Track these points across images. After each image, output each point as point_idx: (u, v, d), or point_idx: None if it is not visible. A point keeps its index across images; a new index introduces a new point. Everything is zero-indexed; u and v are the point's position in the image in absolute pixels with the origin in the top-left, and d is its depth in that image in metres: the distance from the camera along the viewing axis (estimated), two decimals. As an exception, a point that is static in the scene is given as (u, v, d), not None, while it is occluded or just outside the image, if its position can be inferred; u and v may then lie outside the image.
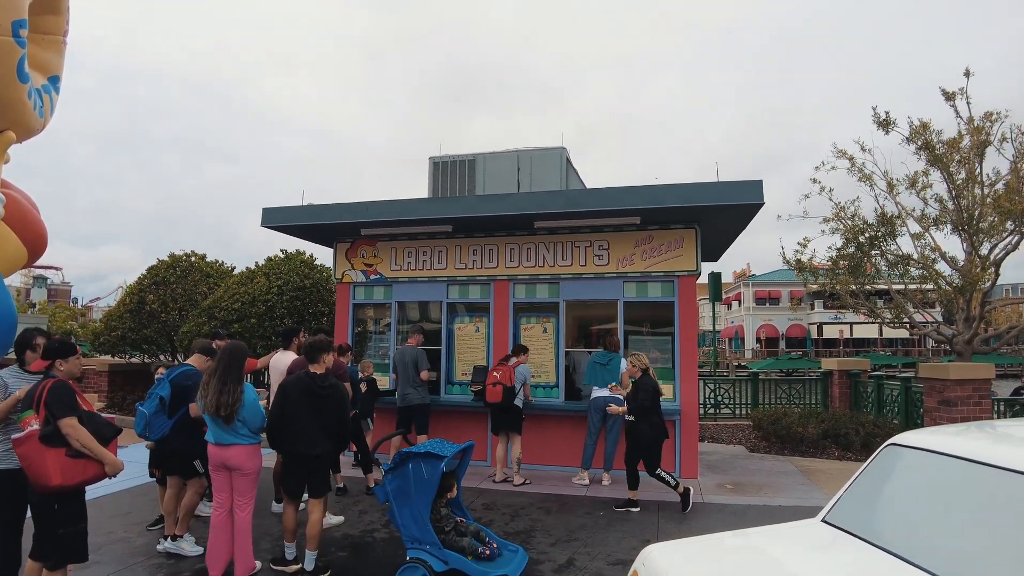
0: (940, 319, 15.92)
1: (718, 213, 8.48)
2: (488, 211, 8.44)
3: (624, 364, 8.15)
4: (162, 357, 13.52)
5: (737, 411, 13.85)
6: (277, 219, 9.35)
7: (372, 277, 9.74)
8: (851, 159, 14.02)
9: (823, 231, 14.37)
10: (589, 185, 11.14)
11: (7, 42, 9.67)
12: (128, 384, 13.30)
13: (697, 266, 8.76)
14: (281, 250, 13.06)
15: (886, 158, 23.38)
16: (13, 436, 3.90)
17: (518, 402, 8.00)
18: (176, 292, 12.69)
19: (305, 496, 5.25)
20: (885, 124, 13.45)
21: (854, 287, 14.56)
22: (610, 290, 8.93)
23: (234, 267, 14.27)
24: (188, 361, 5.99)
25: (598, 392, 8.16)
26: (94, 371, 14.51)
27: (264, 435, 5.07)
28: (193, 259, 13.58)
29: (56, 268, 44.24)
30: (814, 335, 53.38)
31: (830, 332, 50.23)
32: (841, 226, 14.04)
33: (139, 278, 13.57)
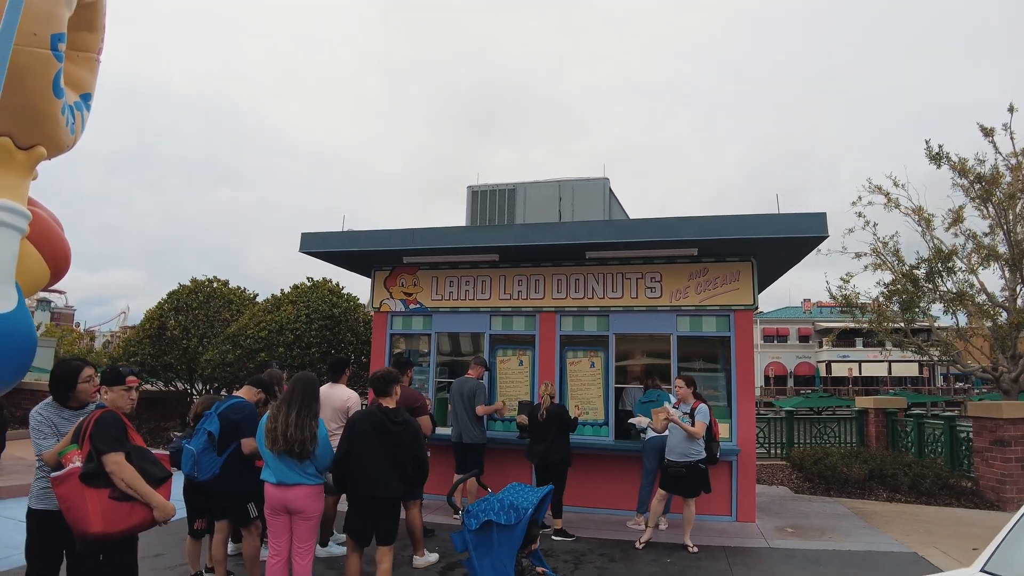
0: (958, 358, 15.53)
1: (777, 246, 8.19)
2: (539, 240, 8.14)
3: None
4: (179, 385, 13.10)
5: (771, 451, 13.42)
6: (315, 245, 9.04)
7: (412, 307, 9.39)
8: (887, 195, 13.87)
9: (865, 267, 14.16)
10: (632, 216, 10.86)
11: (45, 55, 9.46)
12: (144, 412, 12.85)
13: (754, 300, 8.45)
14: (308, 278, 12.76)
15: (919, 193, 23.24)
16: (52, 474, 3.43)
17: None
18: (198, 318, 12.32)
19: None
20: (937, 158, 13.29)
21: (902, 324, 14.24)
22: (663, 324, 8.59)
23: (257, 294, 13.93)
24: (238, 393, 5.61)
25: (653, 433, 7.76)
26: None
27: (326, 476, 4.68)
28: (215, 285, 13.24)
29: (60, 292, 43.80)
30: (823, 373, 52.94)
31: (839, 370, 49.88)
32: (881, 261, 13.83)
33: (159, 303, 13.22)
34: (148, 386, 13.49)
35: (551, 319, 8.87)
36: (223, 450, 5.12)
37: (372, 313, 9.73)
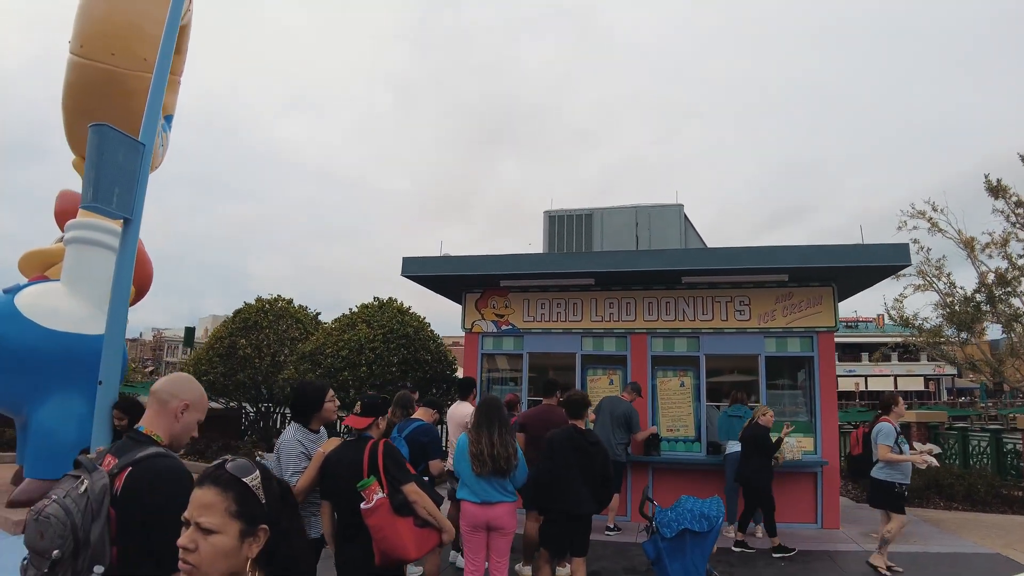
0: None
1: (860, 272, 8.74)
2: (644, 266, 8.62)
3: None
4: (247, 405, 13.31)
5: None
6: (415, 269, 9.44)
7: (504, 328, 9.81)
8: (931, 220, 14.62)
9: (912, 287, 14.87)
10: (707, 241, 11.39)
11: (150, 79, 9.78)
12: (211, 431, 13.11)
13: (836, 322, 8.99)
14: (375, 298, 13.09)
15: (957, 217, 24.07)
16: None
17: (883, 474, 6.75)
18: (269, 337, 12.60)
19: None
20: (996, 191, 14.02)
21: (957, 341, 14.93)
22: (751, 345, 9.08)
23: (319, 312, 14.24)
24: (416, 415, 5.95)
25: (735, 446, 8.21)
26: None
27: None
28: (280, 304, 13.53)
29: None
30: (828, 387, 53.53)
31: (845, 385, 50.85)
32: (927, 283, 14.55)
33: (224, 322, 13.46)
34: (214, 404, 13.72)
35: (642, 340, 9.33)
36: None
37: (464, 334, 10.12)
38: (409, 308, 12.85)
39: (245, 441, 13.48)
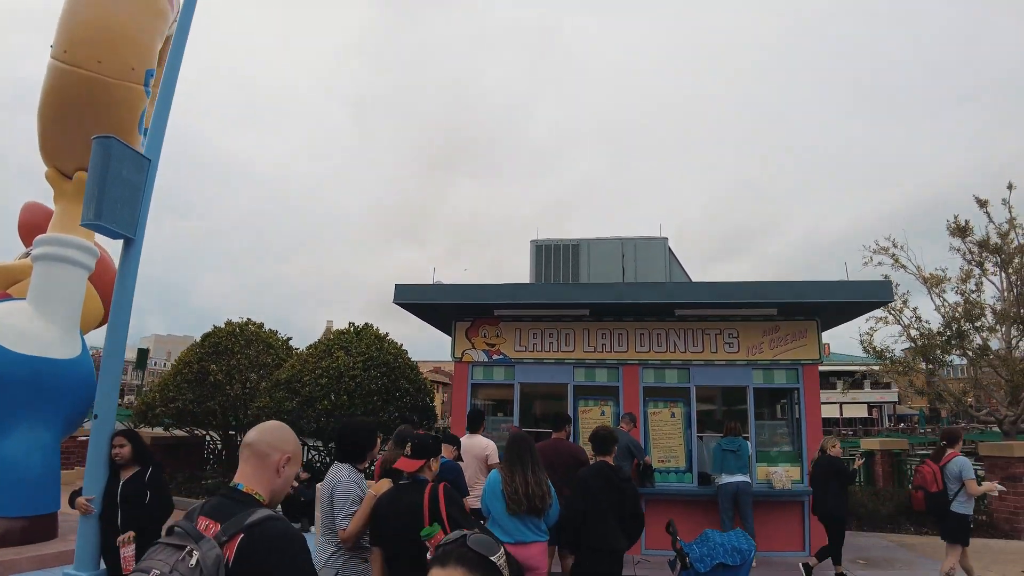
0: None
1: (843, 308, 9.08)
2: (642, 299, 8.72)
3: (750, 448, 8.51)
4: (213, 434, 12.76)
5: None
6: (408, 296, 9.31)
7: (495, 357, 9.73)
8: (894, 257, 15.38)
9: (879, 318, 15.53)
10: (690, 273, 11.61)
11: (138, 91, 9.47)
12: (171, 459, 12.52)
13: (820, 355, 9.27)
14: (349, 323, 12.83)
15: (917, 254, 24.89)
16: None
17: (965, 508, 6.74)
18: (241, 363, 12.15)
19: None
20: (962, 231, 14.77)
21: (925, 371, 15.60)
22: (740, 377, 9.26)
23: (290, 337, 13.83)
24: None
25: (728, 478, 8.32)
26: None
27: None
28: (251, 328, 13.09)
29: None
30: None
31: (827, 411, 52.79)
32: (893, 318, 15.25)
33: (192, 346, 12.93)
34: (179, 432, 13.13)
35: (634, 371, 9.41)
36: None
37: (453, 363, 10.00)
38: (387, 335, 12.64)
39: (208, 471, 12.94)
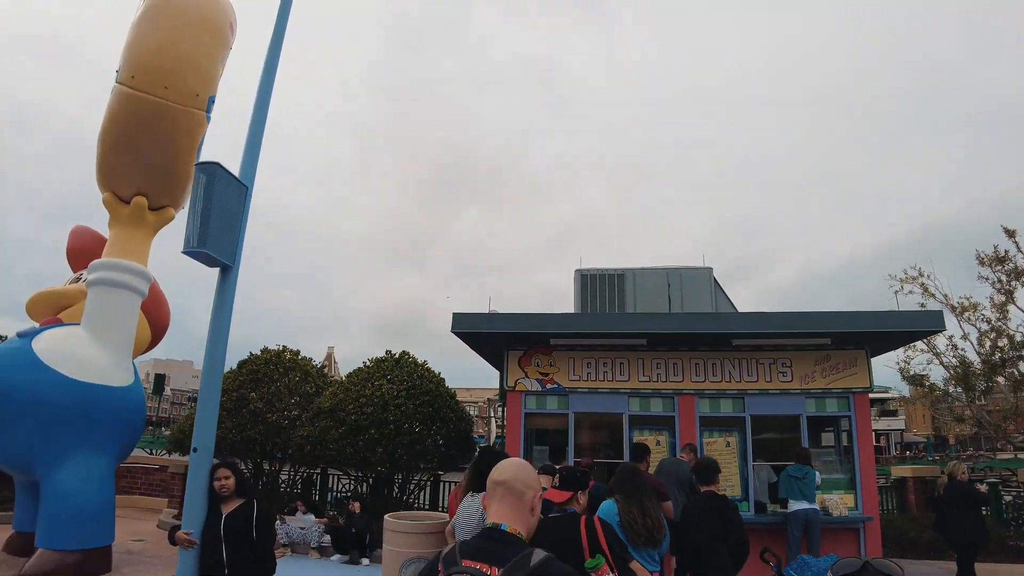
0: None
1: (892, 337, 9.27)
2: (697, 328, 8.85)
3: (818, 476, 8.57)
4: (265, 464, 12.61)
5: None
6: (465, 325, 9.38)
7: (548, 386, 9.79)
8: (923, 286, 15.73)
9: (922, 350, 15.85)
10: (737, 304, 11.75)
11: (200, 117, 9.54)
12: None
13: (870, 383, 9.41)
14: (387, 351, 12.83)
15: (944, 282, 25.30)
16: None
17: None
18: (281, 391, 12.11)
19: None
20: (996, 260, 15.11)
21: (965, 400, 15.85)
22: (794, 405, 9.37)
23: (325, 365, 13.77)
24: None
25: (796, 505, 8.38)
26: (168, 472, 13.49)
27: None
28: (287, 355, 13.05)
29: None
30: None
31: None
32: (927, 347, 15.54)
33: (230, 372, 12.88)
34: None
35: (690, 401, 9.49)
36: None
37: (507, 392, 10.04)
38: (424, 363, 12.64)
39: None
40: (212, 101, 9.12)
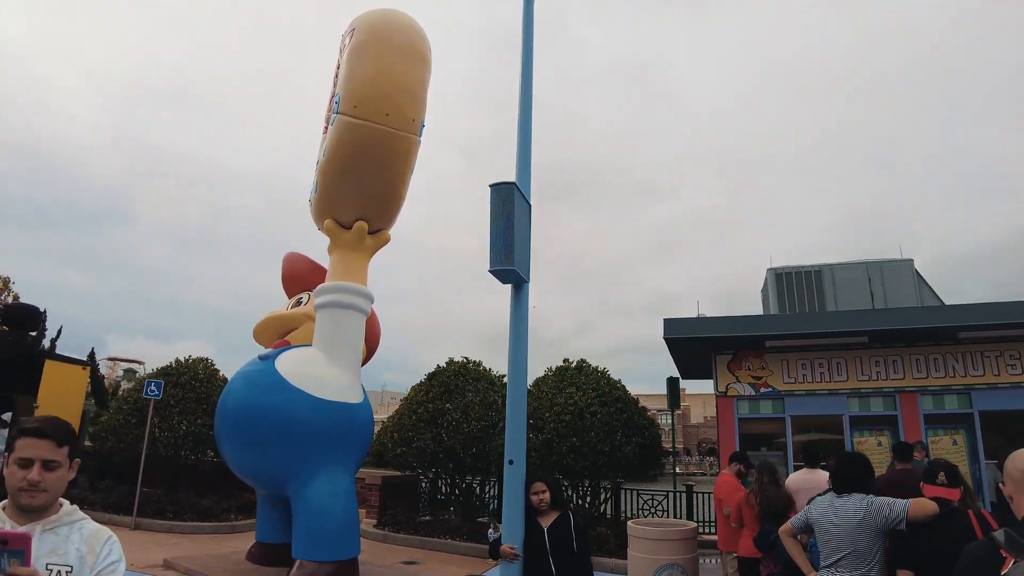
0: None
1: None
2: (924, 323, 8.72)
3: None
4: (468, 478, 13.28)
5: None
6: (677, 330, 9.59)
7: (762, 390, 9.85)
8: None
9: None
10: (941, 295, 11.45)
11: (415, 141, 9.90)
12: (394, 498, 13.13)
13: (1113, 375, 8.99)
14: (564, 359, 13.17)
15: None
16: None
17: None
18: (472, 401, 12.65)
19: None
20: None
21: None
22: (1030, 400, 9.09)
23: (503, 376, 14.26)
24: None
25: None
26: (365, 483, 14.24)
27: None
28: (470, 365, 13.62)
29: (139, 362, 43.41)
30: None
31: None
32: None
33: (419, 384, 13.52)
34: (394, 472, 13.81)
35: (912, 399, 9.35)
36: None
37: (716, 398, 10.17)
38: (605, 370, 12.86)
39: (420, 510, 13.36)
40: (423, 124, 9.58)
